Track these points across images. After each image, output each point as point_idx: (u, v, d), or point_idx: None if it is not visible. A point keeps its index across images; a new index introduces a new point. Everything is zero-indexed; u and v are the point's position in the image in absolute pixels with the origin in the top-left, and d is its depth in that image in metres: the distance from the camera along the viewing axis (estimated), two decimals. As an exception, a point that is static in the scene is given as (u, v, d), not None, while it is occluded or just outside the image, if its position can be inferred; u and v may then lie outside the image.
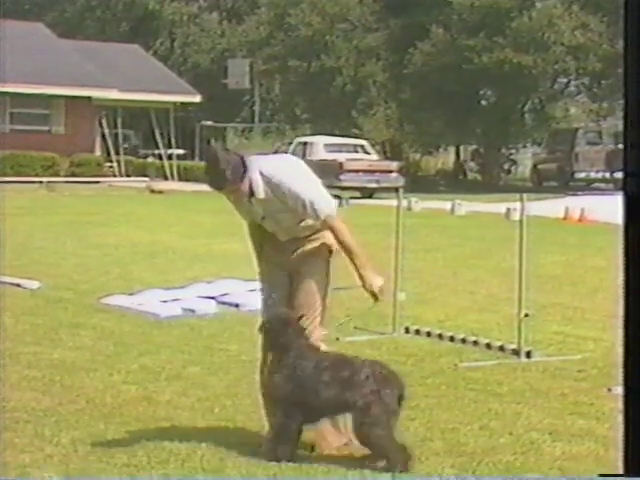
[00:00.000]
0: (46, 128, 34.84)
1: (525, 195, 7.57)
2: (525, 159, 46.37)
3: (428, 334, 7.98)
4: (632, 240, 2.89)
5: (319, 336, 4.97)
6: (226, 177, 4.71)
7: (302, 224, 4.90)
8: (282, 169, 4.86)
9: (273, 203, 4.81)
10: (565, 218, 20.64)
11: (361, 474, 4.66)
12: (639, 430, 2.92)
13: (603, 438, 5.26)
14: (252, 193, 4.79)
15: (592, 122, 41.41)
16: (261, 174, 4.77)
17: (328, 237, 4.95)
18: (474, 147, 44.39)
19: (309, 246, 4.96)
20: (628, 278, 2.90)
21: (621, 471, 3.04)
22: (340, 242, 4.88)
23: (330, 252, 4.99)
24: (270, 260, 5.06)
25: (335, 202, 4.96)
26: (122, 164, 35.79)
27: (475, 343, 7.67)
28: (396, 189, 10.10)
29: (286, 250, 4.99)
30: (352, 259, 4.89)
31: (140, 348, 7.36)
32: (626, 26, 2.87)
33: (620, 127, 30.42)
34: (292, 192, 4.76)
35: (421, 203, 21.17)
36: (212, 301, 9.24)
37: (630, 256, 2.89)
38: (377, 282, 4.92)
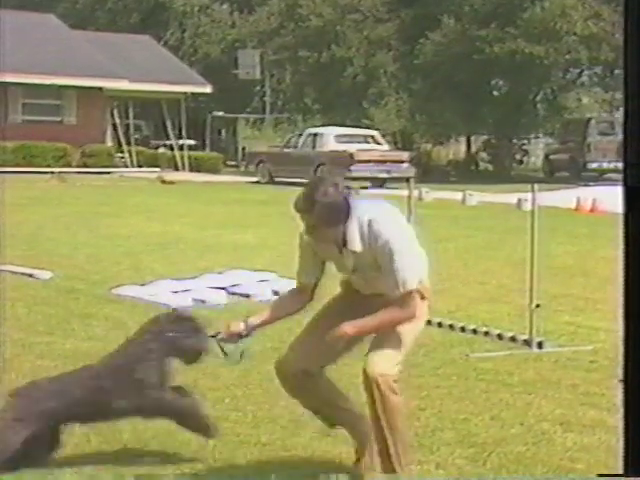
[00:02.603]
0: (58, 119, 34.89)
1: (537, 185, 7.54)
2: (537, 149, 46.29)
3: (439, 324, 7.97)
4: (632, 230, 2.89)
5: None
6: (322, 217, 4.08)
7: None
8: (390, 223, 4.18)
9: (367, 257, 4.19)
10: (577, 208, 20.56)
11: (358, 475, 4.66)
12: (639, 430, 2.92)
13: (614, 429, 5.24)
14: (345, 243, 4.21)
15: (604, 112, 41.32)
16: (364, 223, 4.15)
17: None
18: (486, 137, 44.29)
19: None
20: (628, 268, 2.90)
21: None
22: (386, 318, 4.22)
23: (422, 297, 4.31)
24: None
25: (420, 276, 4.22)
26: (133, 155, 35.81)
27: (486, 334, 7.67)
28: (407, 179, 10.05)
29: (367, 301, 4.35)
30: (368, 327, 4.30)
31: (151, 338, 7.36)
32: (626, 23, 2.87)
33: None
34: (388, 253, 4.10)
35: (432, 193, 21.17)
36: (223, 292, 9.24)
37: (630, 246, 2.89)
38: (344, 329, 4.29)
